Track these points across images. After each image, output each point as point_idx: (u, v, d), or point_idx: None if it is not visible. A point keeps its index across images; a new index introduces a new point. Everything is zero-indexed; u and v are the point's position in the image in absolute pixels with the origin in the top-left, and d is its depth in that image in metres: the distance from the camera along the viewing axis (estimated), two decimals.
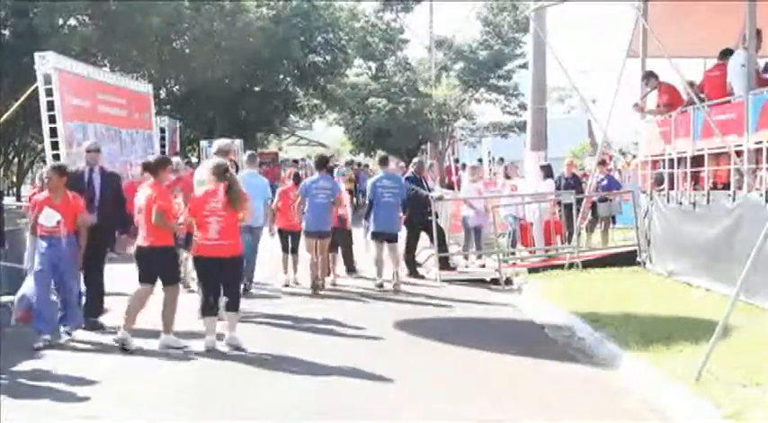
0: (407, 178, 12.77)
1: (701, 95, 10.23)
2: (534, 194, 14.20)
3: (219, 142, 9.29)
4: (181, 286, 9.62)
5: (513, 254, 13.82)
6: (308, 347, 7.57)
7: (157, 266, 7.48)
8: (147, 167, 7.73)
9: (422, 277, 12.22)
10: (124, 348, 7.27)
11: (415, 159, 14.61)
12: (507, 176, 15.24)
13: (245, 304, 8.31)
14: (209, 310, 7.41)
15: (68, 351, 7.39)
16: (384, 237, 11.26)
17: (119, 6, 21.00)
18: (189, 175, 10.02)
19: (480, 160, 24.85)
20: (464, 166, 21.80)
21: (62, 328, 7.71)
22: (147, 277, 7.50)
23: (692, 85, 10.56)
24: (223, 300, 7.53)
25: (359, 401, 5.87)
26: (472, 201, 13.58)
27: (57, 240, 7.56)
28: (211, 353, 7.24)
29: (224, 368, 6.84)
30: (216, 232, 7.31)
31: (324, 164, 11.24)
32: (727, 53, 10.25)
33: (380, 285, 11.06)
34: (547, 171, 14.65)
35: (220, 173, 7.36)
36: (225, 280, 7.45)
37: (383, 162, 12.01)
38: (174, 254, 7.88)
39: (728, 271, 8.40)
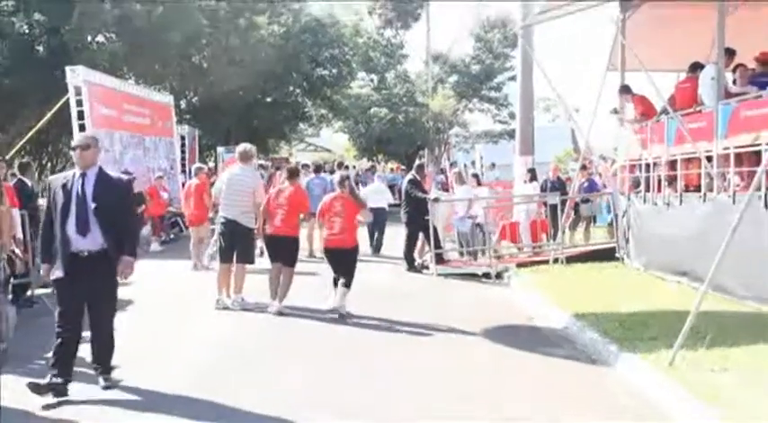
0: (410, 181, 12.77)
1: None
2: (522, 196, 14.22)
3: (245, 146, 9.21)
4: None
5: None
6: (303, 341, 7.52)
7: (284, 251, 8.61)
8: (289, 172, 9.07)
9: (419, 272, 12.25)
10: (281, 314, 8.33)
11: (418, 162, 14.60)
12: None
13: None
14: (334, 283, 8.65)
15: None
16: None
17: (143, 24, 20.98)
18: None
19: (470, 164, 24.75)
20: (451, 166, 20.65)
21: None
22: (276, 259, 8.69)
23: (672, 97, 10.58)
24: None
25: (357, 397, 5.58)
26: (458, 204, 13.34)
27: None
28: (206, 347, 7.23)
29: (222, 358, 6.78)
30: (338, 228, 8.51)
31: (319, 169, 15.08)
32: (696, 67, 10.28)
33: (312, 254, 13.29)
34: (532, 174, 14.77)
35: (341, 182, 8.82)
36: (341, 265, 8.57)
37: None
38: (297, 243, 8.93)
39: (699, 265, 8.42)
